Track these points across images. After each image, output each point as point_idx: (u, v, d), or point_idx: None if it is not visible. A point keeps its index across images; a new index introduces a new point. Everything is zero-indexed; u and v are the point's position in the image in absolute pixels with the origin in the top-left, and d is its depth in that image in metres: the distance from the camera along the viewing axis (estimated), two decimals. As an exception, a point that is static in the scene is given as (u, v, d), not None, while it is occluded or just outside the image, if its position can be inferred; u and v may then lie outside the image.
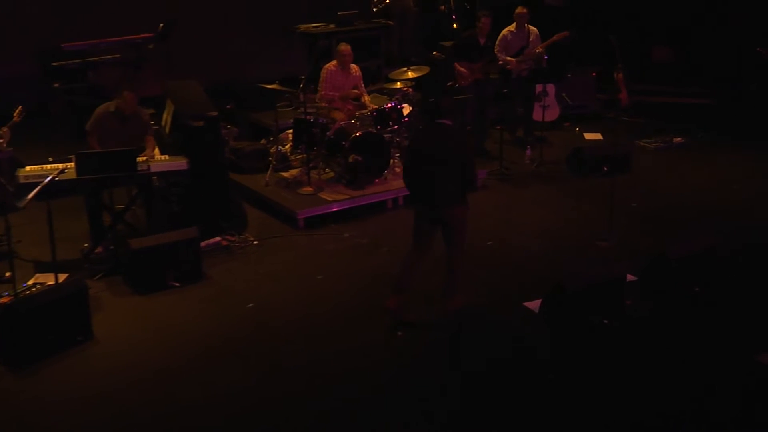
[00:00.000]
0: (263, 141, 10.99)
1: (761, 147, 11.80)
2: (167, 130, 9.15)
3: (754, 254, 8.28)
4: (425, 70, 10.78)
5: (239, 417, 6.00)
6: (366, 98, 10.51)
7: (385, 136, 9.86)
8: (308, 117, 9.62)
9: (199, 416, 6.03)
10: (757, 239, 8.69)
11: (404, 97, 10.40)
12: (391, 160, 9.95)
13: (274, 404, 6.16)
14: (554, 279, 7.04)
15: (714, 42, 13.67)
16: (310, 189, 9.67)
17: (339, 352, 6.76)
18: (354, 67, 10.38)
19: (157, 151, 8.49)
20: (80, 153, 7.82)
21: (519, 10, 11.42)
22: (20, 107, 8.63)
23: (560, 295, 6.81)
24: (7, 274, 7.56)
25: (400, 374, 6.49)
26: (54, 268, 7.49)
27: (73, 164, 7.84)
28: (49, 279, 7.67)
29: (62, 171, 7.64)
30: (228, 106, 11.16)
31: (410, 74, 10.60)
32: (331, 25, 12.67)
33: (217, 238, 8.70)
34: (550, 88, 12.08)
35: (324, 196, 9.59)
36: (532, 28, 11.41)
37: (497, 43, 11.36)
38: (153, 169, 8.15)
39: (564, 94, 12.71)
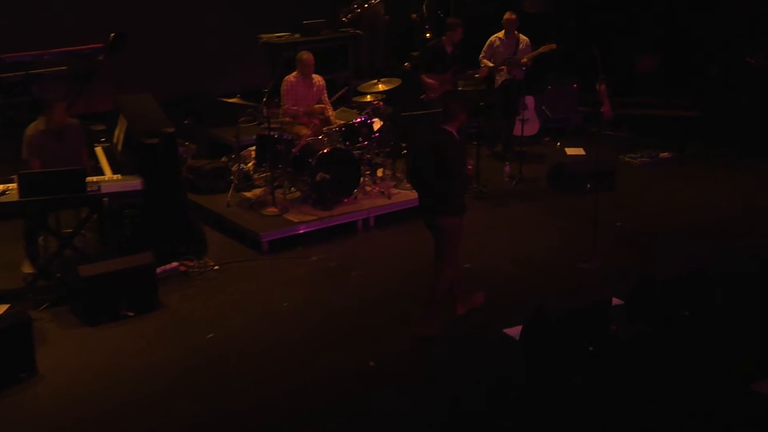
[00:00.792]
0: (224, 159, 10.85)
1: (752, 161, 11.73)
2: (119, 147, 9.00)
3: (745, 275, 8.20)
4: (396, 82, 10.68)
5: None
6: (330, 112, 10.34)
7: (355, 152, 9.72)
8: (272, 133, 9.49)
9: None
10: (747, 259, 8.62)
11: (375, 111, 10.24)
12: (361, 179, 9.81)
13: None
14: (535, 303, 6.90)
15: (701, 51, 13.64)
16: (275, 210, 9.50)
17: (307, 384, 6.62)
18: (316, 77, 10.25)
19: (109, 170, 8.38)
20: (23, 173, 7.65)
21: (507, 15, 11.29)
22: None
23: (542, 321, 6.70)
24: (-59, 308, 7.38)
25: (373, 405, 6.36)
26: (-6, 299, 7.35)
27: (15, 185, 7.64)
28: (-12, 311, 7.45)
29: (2, 193, 7.52)
30: (185, 122, 11.10)
31: (381, 87, 10.51)
32: (296, 35, 12.51)
33: (175, 264, 8.54)
34: (530, 100, 12.00)
35: (290, 217, 9.44)
36: (522, 36, 11.30)
37: (484, 49, 11.30)
38: (104, 190, 7.97)
39: (544, 107, 12.61)
